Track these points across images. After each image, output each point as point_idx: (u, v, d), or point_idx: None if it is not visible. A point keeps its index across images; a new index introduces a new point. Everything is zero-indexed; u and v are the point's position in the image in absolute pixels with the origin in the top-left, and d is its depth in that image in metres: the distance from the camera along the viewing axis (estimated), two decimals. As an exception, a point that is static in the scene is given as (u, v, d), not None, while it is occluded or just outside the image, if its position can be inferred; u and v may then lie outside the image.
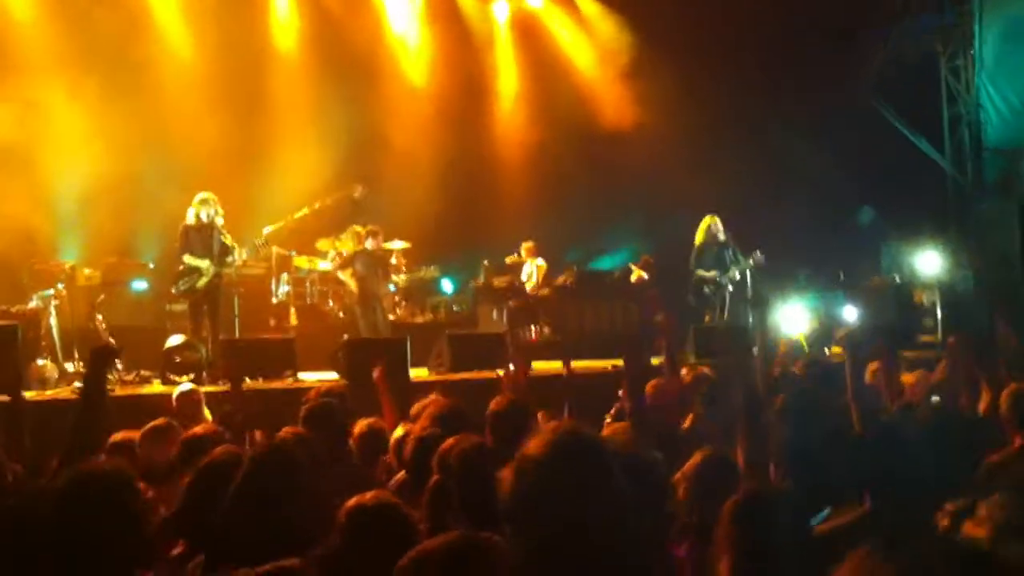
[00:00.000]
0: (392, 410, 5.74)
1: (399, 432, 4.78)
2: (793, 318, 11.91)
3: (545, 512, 2.20)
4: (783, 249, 12.76)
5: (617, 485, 2.28)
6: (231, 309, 10.60)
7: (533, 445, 2.30)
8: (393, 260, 12.80)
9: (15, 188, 11.05)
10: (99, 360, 4.17)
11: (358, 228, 12.58)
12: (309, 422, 4.77)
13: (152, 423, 5.28)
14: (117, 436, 5.21)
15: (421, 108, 14.82)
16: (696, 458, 3.68)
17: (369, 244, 11.65)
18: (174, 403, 6.81)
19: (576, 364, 10.28)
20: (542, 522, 2.19)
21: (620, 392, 6.14)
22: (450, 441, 3.82)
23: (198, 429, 5.02)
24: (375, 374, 6.21)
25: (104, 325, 10.42)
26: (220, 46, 12.86)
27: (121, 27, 12.25)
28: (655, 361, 7.27)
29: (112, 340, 10.18)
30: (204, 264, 9.91)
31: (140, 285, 11.64)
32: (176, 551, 3.45)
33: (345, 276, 11.67)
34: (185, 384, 7.62)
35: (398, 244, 12.81)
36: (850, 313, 11.96)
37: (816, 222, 13.96)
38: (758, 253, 12.06)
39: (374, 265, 11.62)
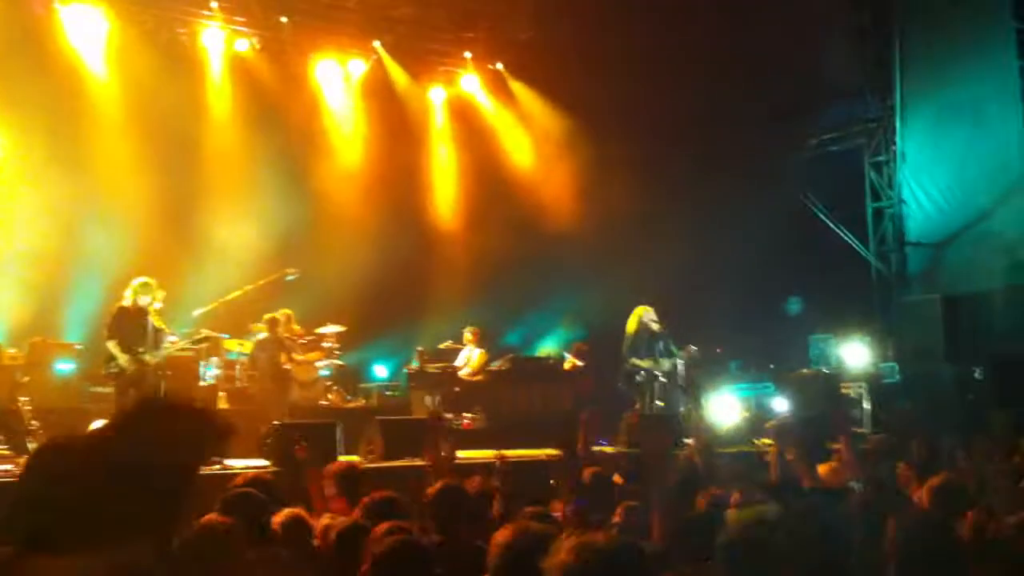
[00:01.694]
0: (319, 495, 5.66)
1: (326, 520, 4.71)
2: (724, 408, 12.06)
3: None
4: (713, 338, 12.95)
5: None
6: (158, 392, 10.38)
7: (564, 555, 2.30)
8: (326, 344, 12.71)
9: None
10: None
11: (286, 311, 12.50)
12: (227, 510, 4.68)
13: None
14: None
15: (356, 189, 14.86)
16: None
17: (264, 334, 11.81)
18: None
19: (509, 452, 10.34)
20: None
21: (551, 481, 6.15)
22: (379, 531, 3.78)
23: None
24: (299, 454, 6.14)
25: (28, 407, 10.17)
26: (155, 123, 12.82)
27: (52, 99, 12.15)
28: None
29: (35, 423, 9.95)
30: (123, 358, 9.76)
31: (65, 366, 11.39)
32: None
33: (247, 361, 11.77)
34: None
35: (333, 328, 12.74)
36: (780, 404, 12.13)
37: (746, 312, 14.18)
38: (692, 347, 12.25)
39: (272, 350, 11.71)
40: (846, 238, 15.55)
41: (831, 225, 15.53)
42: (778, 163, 15.23)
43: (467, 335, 13.60)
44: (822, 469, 6.97)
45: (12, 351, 11.04)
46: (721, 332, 13.38)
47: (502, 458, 6.81)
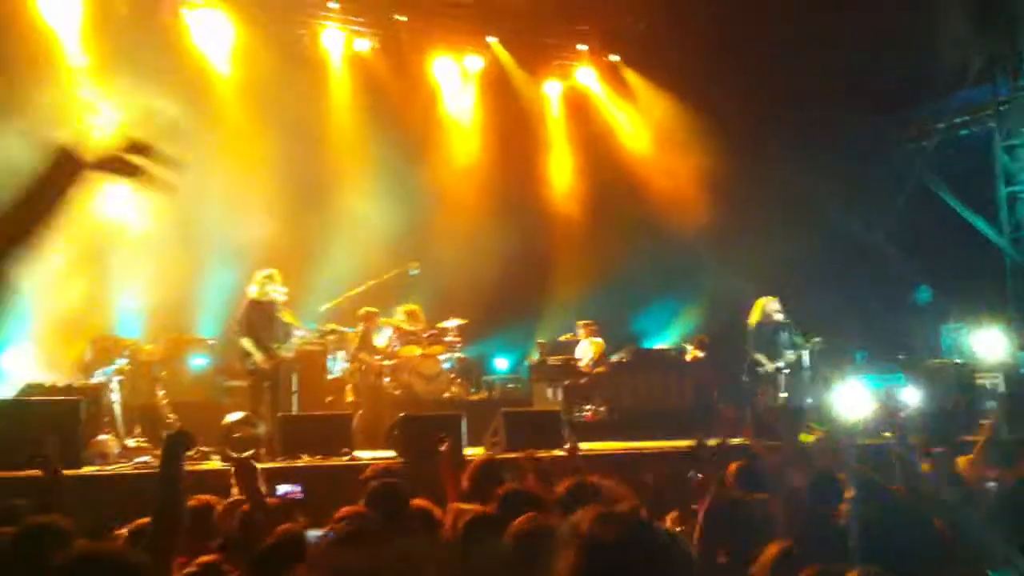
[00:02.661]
0: (453, 487, 5.73)
1: (454, 509, 4.76)
2: (853, 399, 11.75)
3: None
4: (839, 328, 12.65)
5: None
6: (290, 385, 10.68)
7: (596, 527, 2.28)
8: (450, 337, 12.87)
9: (83, 266, 11.33)
10: (173, 446, 4.22)
11: (412, 306, 12.70)
12: (370, 501, 4.79)
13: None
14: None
15: (475, 183, 15.04)
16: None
17: (362, 326, 11.99)
18: (233, 478, 6.86)
19: (632, 445, 10.34)
20: None
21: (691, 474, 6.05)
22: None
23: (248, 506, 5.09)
24: (442, 448, 6.21)
25: (166, 400, 10.58)
26: (278, 123, 13.13)
27: (181, 99, 12.51)
28: (712, 443, 7.20)
29: (173, 416, 10.35)
30: (258, 355, 10.04)
31: (199, 361, 11.81)
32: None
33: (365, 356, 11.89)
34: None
35: (454, 322, 12.89)
36: (910, 396, 11.78)
37: (873, 302, 13.83)
38: (817, 338, 12.00)
39: (365, 346, 11.93)
40: (977, 225, 15.00)
41: (961, 211, 15.00)
42: (905, 149, 14.78)
43: (580, 330, 13.62)
44: (960, 461, 6.75)
45: (149, 347, 11.46)
46: (848, 323, 13.06)
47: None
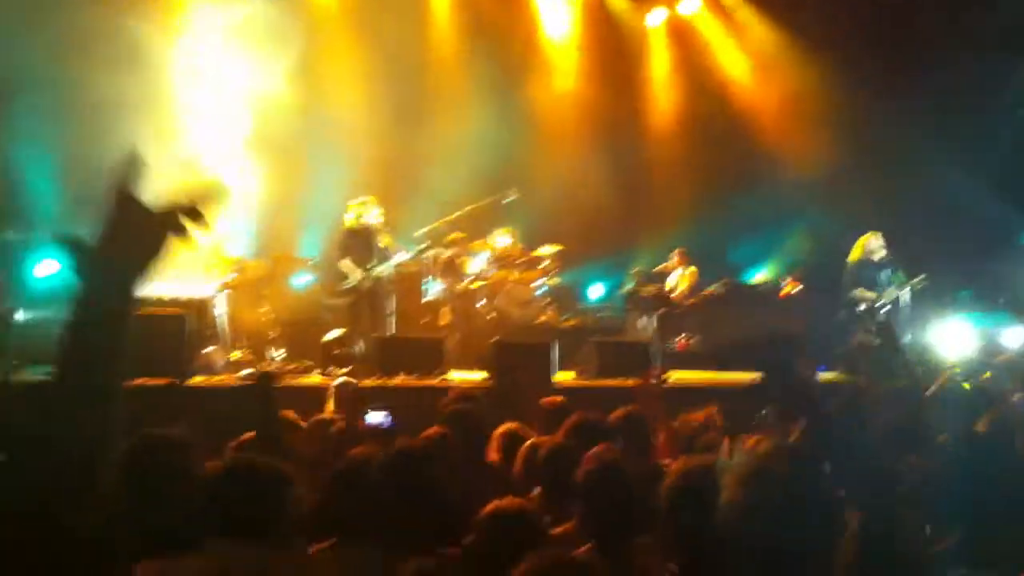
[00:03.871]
0: (535, 416, 5.89)
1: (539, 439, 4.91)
2: (954, 338, 11.53)
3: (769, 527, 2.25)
4: (942, 270, 12.36)
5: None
6: (388, 307, 10.98)
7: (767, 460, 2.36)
8: (545, 263, 12.98)
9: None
10: (265, 386, 4.45)
11: (508, 230, 12.84)
12: (449, 423, 4.96)
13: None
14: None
15: (574, 112, 14.98)
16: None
17: (453, 251, 12.25)
18: (332, 393, 7.15)
19: (725, 376, 10.37)
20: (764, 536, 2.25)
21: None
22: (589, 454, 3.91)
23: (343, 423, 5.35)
24: (520, 377, 6.36)
25: (269, 316, 10.99)
26: (379, 47, 13.21)
27: (284, 25, 12.62)
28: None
29: (275, 332, 10.73)
30: (356, 275, 10.33)
31: (302, 280, 12.16)
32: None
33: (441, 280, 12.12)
34: (341, 377, 8.01)
35: (549, 248, 12.98)
36: (1013, 338, 11.50)
37: (979, 244, 13.43)
38: (920, 277, 11.76)
39: (452, 270, 12.16)
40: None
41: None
42: (1017, 90, 14.17)
43: (674, 257, 13.58)
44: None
45: (254, 264, 11.82)
46: (950, 265, 12.73)
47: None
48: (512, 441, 5.11)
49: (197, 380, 8.90)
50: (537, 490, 4.36)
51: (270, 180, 12.25)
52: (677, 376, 9.52)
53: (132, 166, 1.67)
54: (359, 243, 10.47)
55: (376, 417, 5.45)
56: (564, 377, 9.92)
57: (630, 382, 9.01)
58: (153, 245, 1.66)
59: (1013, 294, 12.94)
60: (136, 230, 1.65)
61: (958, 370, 10.45)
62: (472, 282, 12.25)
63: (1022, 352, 10.94)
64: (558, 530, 3.59)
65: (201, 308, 10.15)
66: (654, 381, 6.97)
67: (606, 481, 3.65)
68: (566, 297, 13.59)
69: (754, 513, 2.27)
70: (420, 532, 3.24)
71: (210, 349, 9.96)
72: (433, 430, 4.84)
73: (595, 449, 3.93)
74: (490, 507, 3.35)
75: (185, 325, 8.97)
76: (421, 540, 3.19)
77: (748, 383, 6.65)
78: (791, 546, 2.25)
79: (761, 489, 2.30)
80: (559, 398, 6.13)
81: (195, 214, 1.67)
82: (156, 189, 1.71)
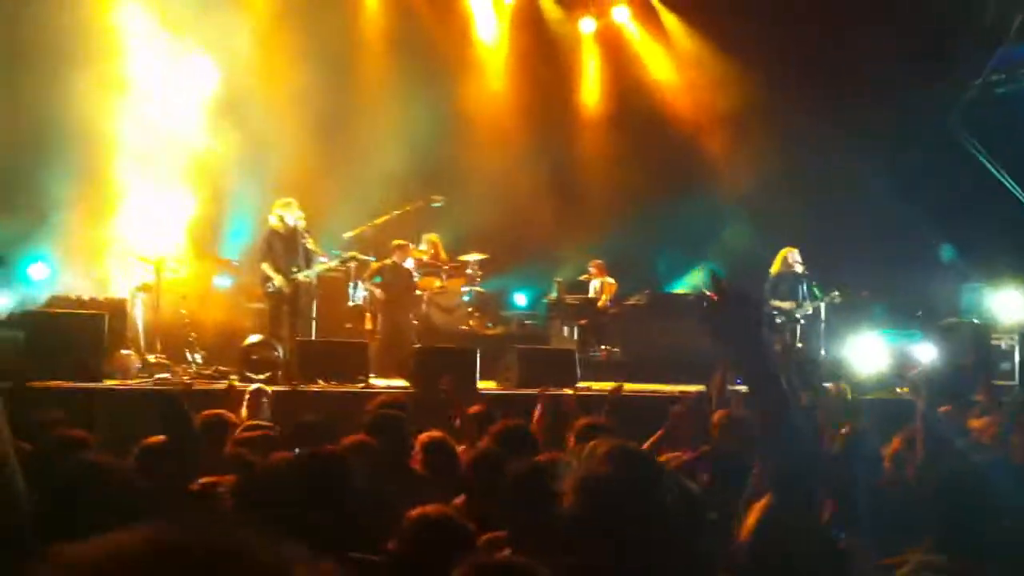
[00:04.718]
0: (461, 423, 5.87)
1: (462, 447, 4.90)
2: (867, 352, 11.80)
3: (608, 529, 2.24)
4: (859, 284, 12.65)
5: (672, 504, 2.33)
6: (310, 311, 10.86)
7: (592, 463, 2.34)
8: (470, 271, 12.97)
9: (110, 187, 11.48)
10: (174, 407, 4.39)
11: (434, 237, 12.83)
12: (373, 429, 4.91)
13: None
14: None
15: (503, 119, 15.01)
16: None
17: (397, 256, 11.95)
18: (245, 399, 7.04)
19: (644, 387, 10.44)
20: (604, 539, 2.24)
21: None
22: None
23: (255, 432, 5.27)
24: (443, 384, 6.37)
25: (188, 319, 10.79)
26: (306, 50, 13.04)
27: (213, 27, 12.43)
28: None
29: (194, 335, 10.54)
30: (278, 279, 10.21)
31: (223, 282, 11.97)
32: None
33: (370, 286, 11.96)
34: (255, 384, 7.89)
35: (476, 256, 12.97)
36: (925, 352, 11.79)
37: (895, 258, 13.78)
38: (836, 292, 12.03)
39: (398, 276, 11.91)
40: (1007, 184, 14.83)
41: (993, 170, 14.83)
42: (940, 105, 14.59)
43: (591, 268, 13.73)
44: (976, 423, 6.79)
45: (174, 265, 11.57)
46: (868, 278, 13.04)
47: (617, 390, 6.86)
48: (437, 449, 5.08)
49: (111, 382, 8.70)
50: (461, 497, 4.33)
51: (192, 180, 12.04)
52: (597, 386, 9.59)
53: None
54: (281, 244, 10.33)
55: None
56: (487, 385, 9.90)
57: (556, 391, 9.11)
58: None
59: (929, 309, 13.28)
60: None
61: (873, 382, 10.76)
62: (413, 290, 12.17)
63: (934, 366, 11.22)
64: (485, 537, 3.56)
65: (118, 309, 9.92)
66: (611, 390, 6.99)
67: (531, 487, 3.63)
68: (491, 304, 13.60)
69: (588, 520, 2.28)
70: (329, 536, 3.18)
71: (126, 352, 9.73)
72: (354, 437, 4.78)
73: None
74: (415, 513, 3.32)
75: (102, 325, 8.77)
76: (331, 544, 3.13)
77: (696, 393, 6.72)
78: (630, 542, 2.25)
79: (591, 496, 2.31)
80: (482, 406, 6.12)
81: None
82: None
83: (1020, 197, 14.74)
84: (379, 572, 3.23)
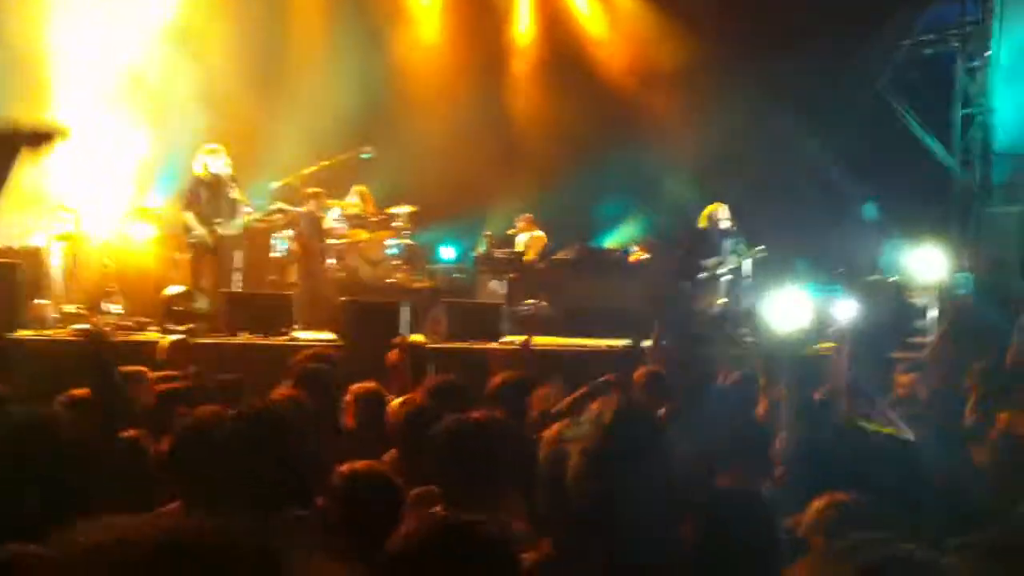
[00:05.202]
0: (395, 375, 5.80)
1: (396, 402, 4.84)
2: (791, 307, 11.94)
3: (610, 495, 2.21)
4: (785, 241, 12.81)
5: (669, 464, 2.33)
6: (232, 262, 10.66)
7: (595, 430, 2.32)
8: (398, 223, 12.84)
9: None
10: (97, 347, 4.26)
11: (363, 188, 12.66)
12: (301, 383, 4.83)
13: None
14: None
15: (435, 70, 14.83)
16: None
17: (311, 206, 11.75)
18: (164, 351, 6.89)
19: (574, 341, 10.50)
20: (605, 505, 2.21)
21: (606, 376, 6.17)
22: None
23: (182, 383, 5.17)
24: (394, 354, 6.25)
25: (108, 269, 10.53)
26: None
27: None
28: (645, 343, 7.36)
29: (114, 286, 10.29)
30: (201, 229, 9.99)
31: (147, 230, 11.65)
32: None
33: (286, 237, 11.79)
34: (176, 335, 7.74)
35: (404, 208, 12.85)
36: (845, 308, 11.99)
37: (819, 215, 13.99)
38: (761, 247, 12.19)
39: (314, 227, 11.74)
40: (930, 144, 15.12)
41: (917, 130, 15.10)
42: (868, 65, 14.79)
43: (519, 222, 13.72)
44: (902, 379, 6.94)
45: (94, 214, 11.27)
46: (794, 236, 13.22)
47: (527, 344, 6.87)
48: (369, 400, 5.02)
49: (26, 333, 8.46)
50: (392, 452, 4.30)
51: (117, 127, 11.69)
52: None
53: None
54: (206, 193, 10.10)
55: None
56: (414, 339, 9.82)
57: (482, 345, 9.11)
58: None
59: (850, 266, 13.51)
60: None
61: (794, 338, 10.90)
62: (327, 240, 12.00)
63: (853, 323, 11.42)
64: (415, 492, 3.53)
65: (35, 258, 9.64)
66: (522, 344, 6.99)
67: (463, 443, 3.60)
68: (418, 258, 13.49)
69: (594, 475, 2.27)
70: (273, 493, 3.12)
71: (42, 301, 9.46)
72: (283, 390, 4.71)
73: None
74: (344, 469, 3.28)
75: (17, 275, 8.52)
76: (274, 501, 3.08)
77: (622, 347, 6.77)
78: (632, 500, 2.25)
79: (598, 450, 2.30)
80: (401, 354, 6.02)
81: (39, 137, 1.62)
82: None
83: (942, 158, 15.03)
84: (309, 527, 3.19)
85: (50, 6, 11.40)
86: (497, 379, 5.00)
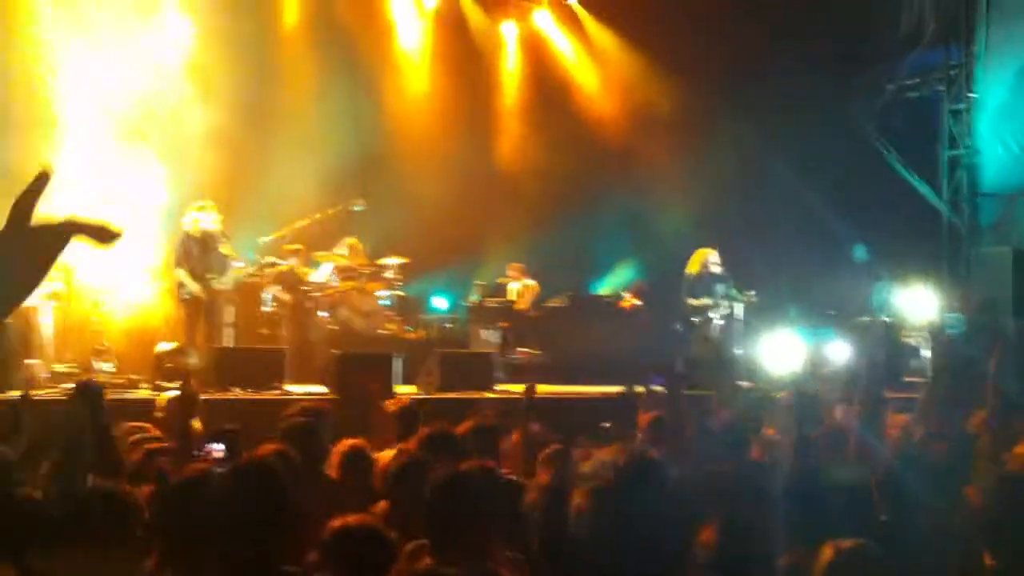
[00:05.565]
0: (382, 429, 5.78)
1: (387, 454, 4.81)
2: (784, 351, 11.96)
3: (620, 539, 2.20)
4: (776, 285, 12.87)
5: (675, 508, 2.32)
6: (224, 317, 10.65)
7: (607, 472, 2.32)
8: (390, 274, 12.85)
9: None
10: (89, 395, 4.25)
11: (354, 241, 12.68)
12: (289, 438, 4.79)
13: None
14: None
15: (424, 122, 14.89)
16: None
17: (294, 261, 11.90)
18: (163, 409, 6.84)
19: (566, 389, 10.49)
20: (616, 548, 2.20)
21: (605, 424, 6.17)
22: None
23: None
24: (371, 387, 6.25)
25: (99, 327, 10.50)
26: (227, 48, 12.77)
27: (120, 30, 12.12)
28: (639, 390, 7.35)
29: (107, 344, 10.25)
30: (194, 286, 10.00)
31: (140, 288, 11.63)
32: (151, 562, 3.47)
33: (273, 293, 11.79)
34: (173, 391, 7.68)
35: (395, 260, 12.87)
36: (838, 351, 12.00)
37: (811, 259, 14.04)
38: (752, 292, 12.23)
39: (297, 281, 11.85)
40: (918, 186, 15.23)
41: (904, 173, 15.21)
42: (854, 109, 14.94)
43: (510, 271, 13.75)
44: (897, 419, 6.92)
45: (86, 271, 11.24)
46: (784, 279, 13.29)
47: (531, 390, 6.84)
48: (354, 457, 4.98)
49: (16, 393, 8.39)
50: (381, 505, 4.27)
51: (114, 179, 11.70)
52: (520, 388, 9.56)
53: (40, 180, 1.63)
54: (196, 248, 10.12)
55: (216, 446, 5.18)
56: (407, 390, 9.81)
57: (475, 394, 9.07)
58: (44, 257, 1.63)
59: (842, 308, 13.55)
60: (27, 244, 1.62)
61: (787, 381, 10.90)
62: (314, 292, 12.00)
63: (847, 365, 11.42)
64: (408, 547, 3.50)
65: (25, 318, 9.60)
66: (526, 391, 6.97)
67: (451, 494, 3.58)
68: (410, 308, 13.49)
69: (599, 523, 2.27)
70: (265, 552, 3.10)
71: (33, 361, 9.42)
72: (270, 446, 4.66)
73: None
74: (336, 523, 3.25)
75: (7, 336, 8.49)
76: (267, 560, 3.05)
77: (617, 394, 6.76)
78: (637, 553, 2.24)
79: (603, 499, 2.30)
80: (406, 402, 6.03)
81: (99, 233, 1.64)
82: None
83: (929, 199, 15.12)
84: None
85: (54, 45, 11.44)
86: (464, 426, 5.00)
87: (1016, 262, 12.90)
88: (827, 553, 2.92)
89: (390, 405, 6.01)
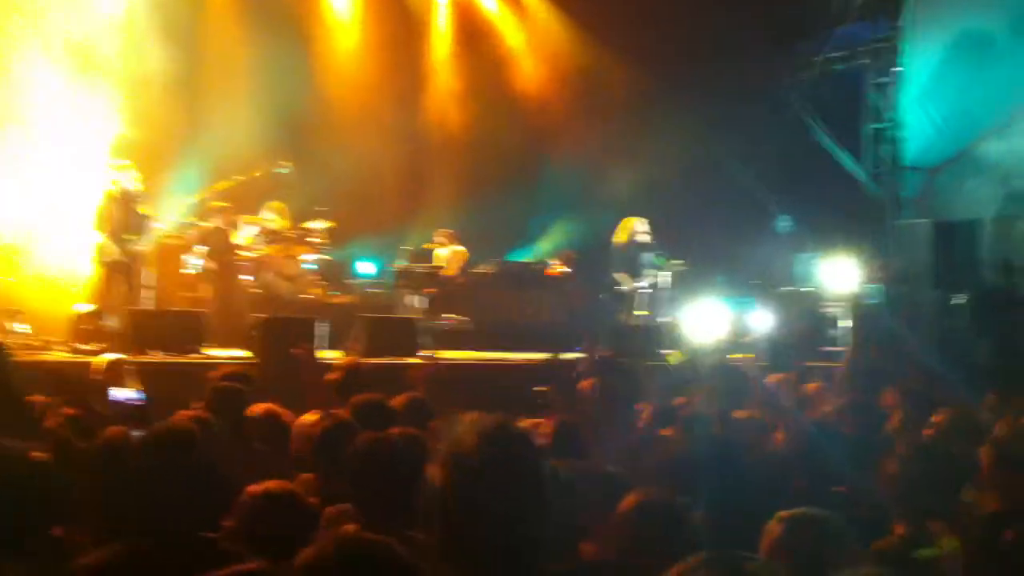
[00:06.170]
0: (314, 391, 5.69)
1: (309, 419, 4.72)
2: (707, 321, 12.09)
3: (479, 506, 2.14)
4: (702, 254, 12.98)
5: (545, 479, 2.26)
6: (143, 279, 10.41)
7: (462, 439, 2.24)
8: (315, 239, 12.68)
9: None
10: None
11: (279, 204, 12.48)
12: (212, 403, 4.71)
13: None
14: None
15: (354, 86, 14.68)
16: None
17: (218, 220, 11.64)
18: (101, 373, 6.64)
19: (493, 355, 10.49)
20: (474, 518, 2.14)
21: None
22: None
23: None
24: (299, 354, 6.14)
25: (15, 287, 10.22)
26: (155, 12, 12.43)
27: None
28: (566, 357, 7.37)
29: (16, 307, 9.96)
30: (113, 249, 9.75)
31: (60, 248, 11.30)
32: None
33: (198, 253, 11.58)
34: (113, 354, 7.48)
35: (321, 223, 12.70)
36: (760, 320, 12.17)
37: (736, 228, 14.17)
38: (679, 261, 12.34)
39: (223, 242, 11.61)
40: (842, 159, 15.44)
41: (829, 146, 15.41)
42: (780, 81, 15.09)
43: (438, 237, 13.65)
44: (810, 387, 7.03)
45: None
46: (710, 249, 13.41)
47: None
48: (272, 422, 4.89)
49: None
50: (305, 474, 4.20)
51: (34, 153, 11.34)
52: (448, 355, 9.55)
53: None
54: (116, 209, 9.85)
55: (123, 393, 5.06)
56: (332, 355, 9.70)
57: (400, 360, 9.02)
58: None
59: (765, 278, 13.73)
60: None
61: (711, 349, 11.04)
62: (238, 255, 11.78)
63: (769, 333, 11.61)
64: (331, 510, 3.45)
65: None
66: (427, 359, 6.95)
67: (378, 461, 3.53)
68: (336, 273, 13.35)
69: (455, 494, 2.19)
70: (191, 516, 3.02)
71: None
72: (191, 411, 4.57)
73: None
74: (254, 488, 3.19)
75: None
76: (193, 525, 2.98)
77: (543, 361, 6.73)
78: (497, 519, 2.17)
79: (457, 470, 2.21)
80: (342, 372, 5.94)
81: None
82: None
83: (852, 171, 15.36)
84: (219, 549, 3.09)
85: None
86: (398, 401, 4.94)
87: (937, 234, 13.16)
88: (775, 528, 2.92)
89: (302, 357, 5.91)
